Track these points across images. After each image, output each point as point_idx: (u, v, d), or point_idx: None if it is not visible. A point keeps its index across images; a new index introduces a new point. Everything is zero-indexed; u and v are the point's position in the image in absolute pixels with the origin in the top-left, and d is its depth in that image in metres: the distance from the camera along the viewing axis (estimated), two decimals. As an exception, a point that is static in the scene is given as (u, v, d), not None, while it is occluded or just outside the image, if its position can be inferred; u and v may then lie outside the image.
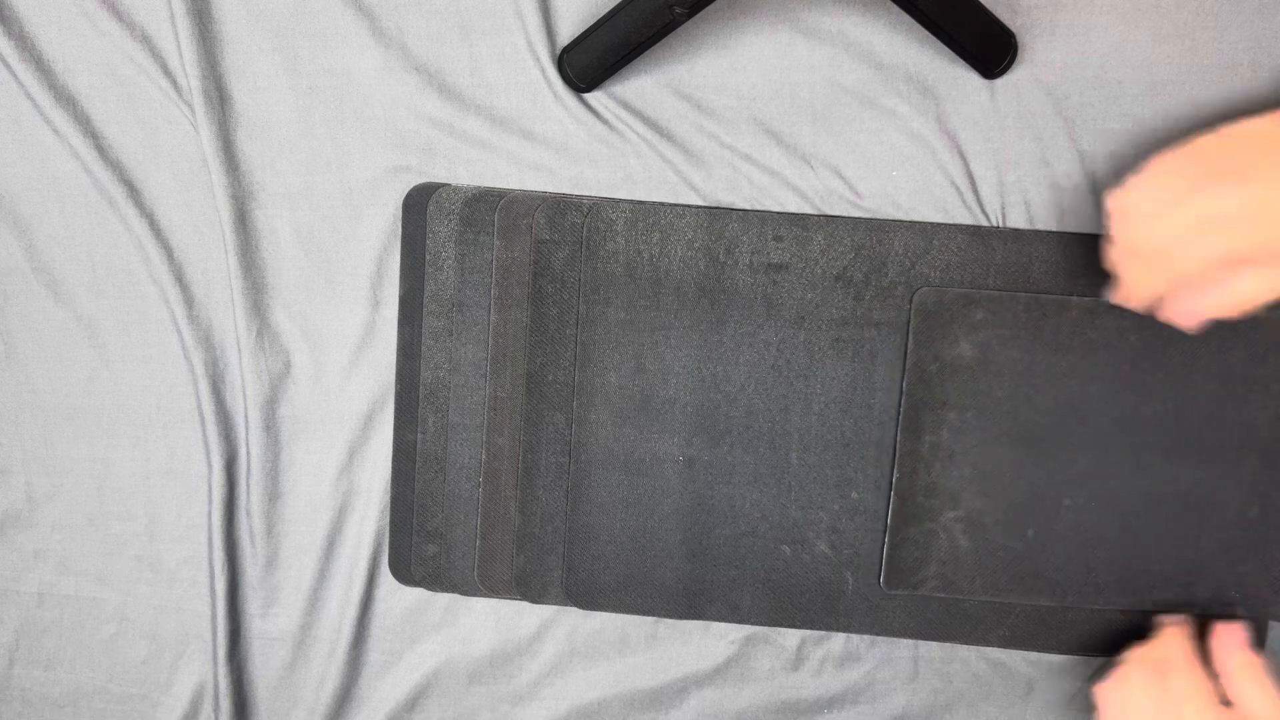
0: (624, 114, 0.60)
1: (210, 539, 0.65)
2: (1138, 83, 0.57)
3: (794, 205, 0.60)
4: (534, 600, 0.64)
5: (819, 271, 0.59)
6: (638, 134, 0.60)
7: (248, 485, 0.65)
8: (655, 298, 0.60)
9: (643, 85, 0.60)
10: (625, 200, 0.60)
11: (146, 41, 0.61)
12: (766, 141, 0.60)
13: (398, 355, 0.63)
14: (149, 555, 0.67)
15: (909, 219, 0.59)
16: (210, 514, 0.64)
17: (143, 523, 0.67)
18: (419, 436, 0.63)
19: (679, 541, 0.63)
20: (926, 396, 0.60)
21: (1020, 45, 0.58)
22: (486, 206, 0.60)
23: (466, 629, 0.66)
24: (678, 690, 0.66)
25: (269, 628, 0.66)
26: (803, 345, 0.60)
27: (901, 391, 0.60)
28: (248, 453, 0.64)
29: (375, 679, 0.67)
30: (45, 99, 0.61)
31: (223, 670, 0.65)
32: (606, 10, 0.57)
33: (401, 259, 0.62)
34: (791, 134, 0.59)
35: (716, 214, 0.59)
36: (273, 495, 0.65)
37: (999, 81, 0.58)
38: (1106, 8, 0.57)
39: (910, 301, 0.59)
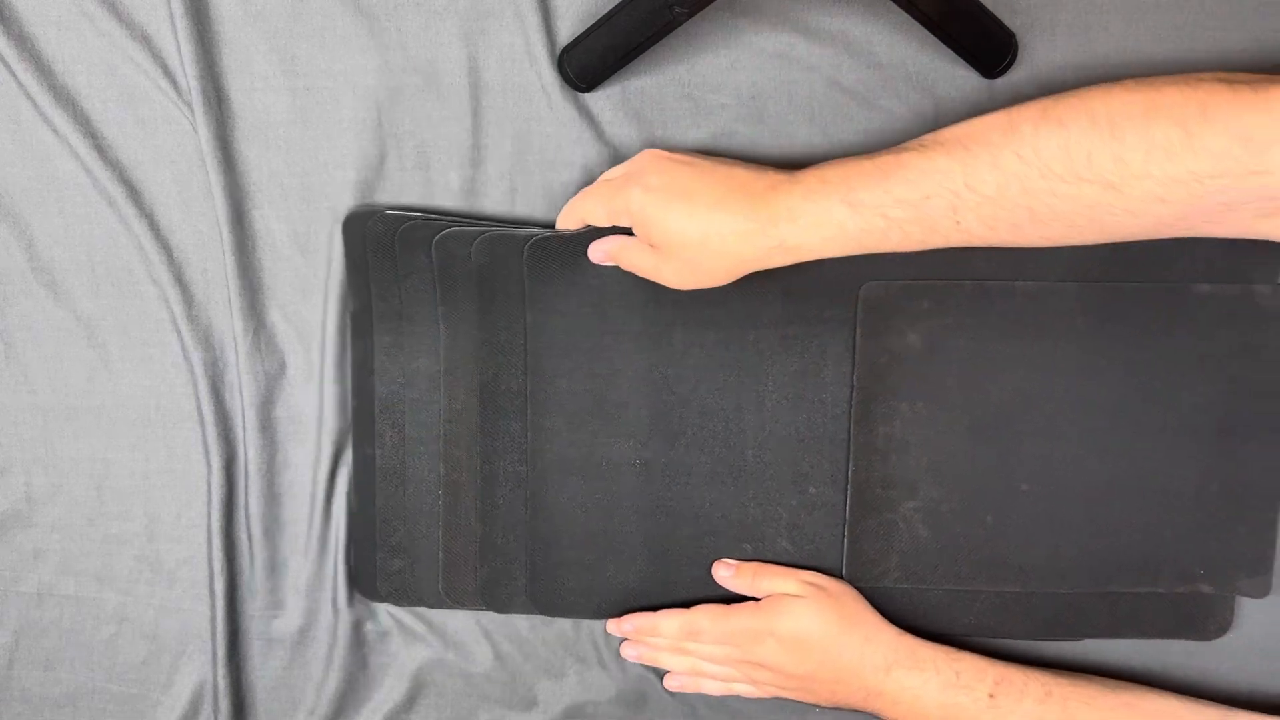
0: (621, 115, 0.60)
1: (209, 539, 0.65)
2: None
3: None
4: (500, 610, 0.64)
5: (764, 269, 0.59)
6: (632, 135, 0.60)
7: (246, 486, 0.65)
8: (602, 303, 0.60)
9: (643, 85, 0.60)
10: (567, 231, 0.59)
11: (146, 41, 0.61)
12: (765, 141, 0.60)
13: (352, 371, 0.63)
14: (149, 555, 0.67)
15: None
16: (209, 514, 0.64)
17: (143, 523, 0.66)
18: (377, 452, 0.63)
19: (640, 544, 0.63)
20: (877, 388, 0.60)
21: (1020, 45, 0.57)
22: (425, 235, 0.60)
23: (465, 628, 0.66)
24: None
25: (268, 628, 0.66)
26: (752, 344, 0.60)
27: (852, 385, 0.60)
28: (245, 453, 0.64)
29: (373, 680, 0.67)
30: (45, 99, 0.61)
31: (222, 671, 0.65)
32: (606, 10, 0.57)
33: (347, 278, 0.62)
34: (790, 133, 0.59)
35: None
36: (270, 496, 0.65)
37: (999, 81, 0.58)
38: (1106, 8, 0.57)
39: (856, 295, 0.59)
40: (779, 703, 0.65)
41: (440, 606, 0.65)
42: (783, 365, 0.60)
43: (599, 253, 0.58)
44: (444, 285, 0.61)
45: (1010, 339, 0.59)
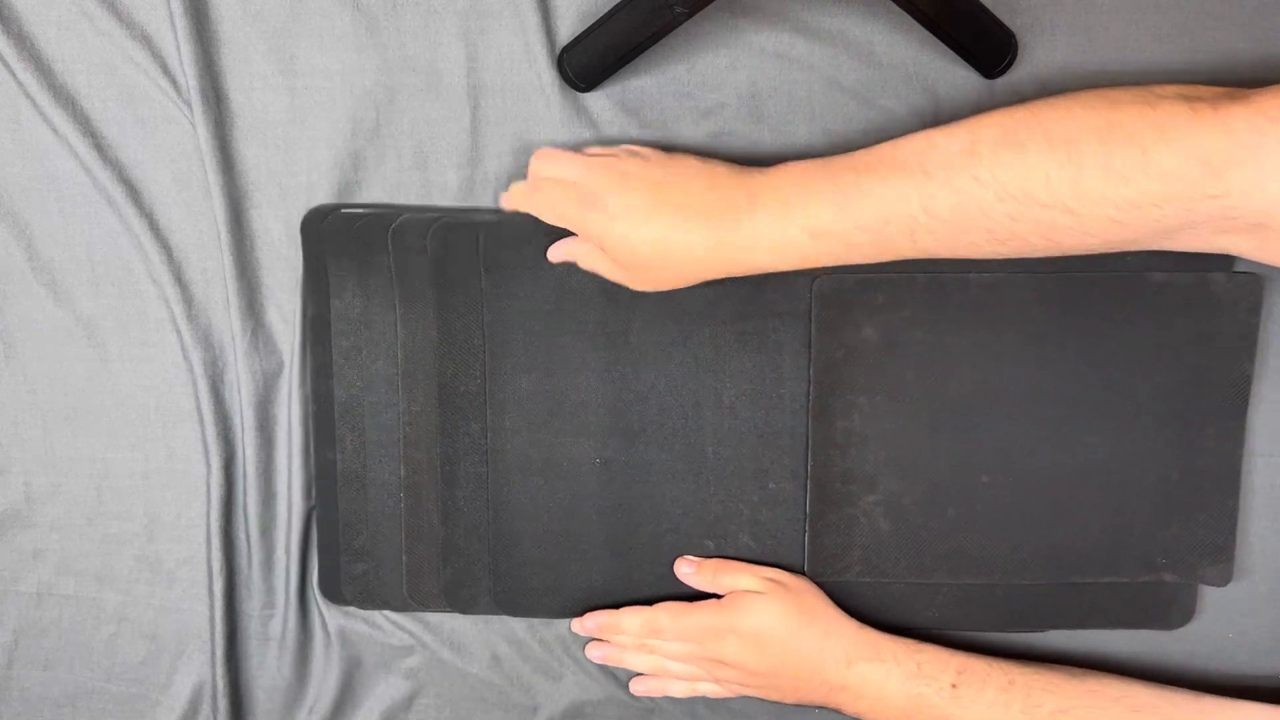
0: (620, 115, 0.60)
1: (209, 539, 0.65)
2: (1137, 83, 0.57)
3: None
4: (464, 611, 0.65)
5: None
6: (632, 135, 0.60)
7: (244, 485, 0.65)
8: (559, 303, 0.60)
9: (643, 85, 0.60)
10: (519, 214, 0.59)
11: (146, 41, 0.61)
12: (765, 140, 0.60)
13: (311, 376, 0.63)
14: (149, 555, 0.67)
15: None
16: (209, 514, 0.64)
17: (142, 523, 0.66)
18: (338, 456, 0.63)
19: (603, 543, 0.63)
20: (834, 383, 0.60)
21: (1020, 45, 0.57)
22: (380, 228, 0.60)
23: (462, 628, 0.66)
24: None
25: (266, 628, 0.66)
26: (708, 340, 0.60)
27: (809, 380, 0.60)
28: (243, 453, 0.64)
29: (371, 679, 0.67)
30: (45, 98, 0.61)
31: (221, 670, 0.65)
32: (606, 10, 0.57)
33: (304, 282, 0.62)
34: (790, 133, 0.59)
35: None
36: (267, 496, 0.64)
37: (999, 81, 0.58)
38: (1106, 8, 0.57)
39: (810, 290, 0.59)
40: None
41: (405, 610, 0.65)
42: (740, 361, 0.60)
43: (559, 253, 0.59)
44: (401, 282, 0.61)
45: (966, 331, 0.59)
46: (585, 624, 0.63)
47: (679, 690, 0.64)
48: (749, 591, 0.60)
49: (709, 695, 0.64)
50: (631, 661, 0.64)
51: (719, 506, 0.62)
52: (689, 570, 0.62)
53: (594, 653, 0.64)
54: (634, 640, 0.63)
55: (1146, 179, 0.44)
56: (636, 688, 0.65)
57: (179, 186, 0.62)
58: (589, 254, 0.58)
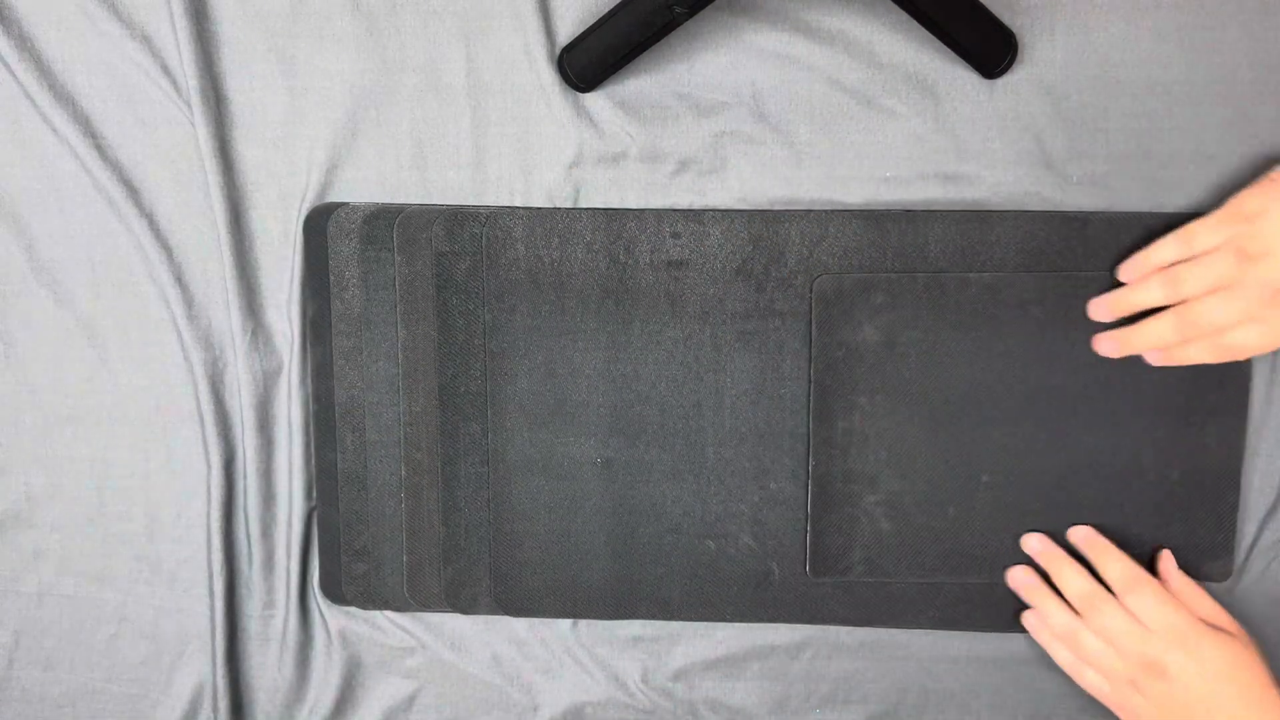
0: (620, 115, 0.60)
1: (209, 539, 0.65)
2: (1138, 83, 0.57)
3: (788, 205, 0.60)
4: (465, 611, 0.65)
5: (719, 265, 0.60)
6: (631, 135, 0.60)
7: (245, 486, 0.65)
8: (560, 302, 0.60)
9: (642, 85, 0.60)
10: (521, 208, 0.60)
11: (146, 41, 0.61)
12: (765, 140, 0.60)
13: (311, 377, 0.63)
14: (149, 555, 0.67)
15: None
16: (209, 514, 0.64)
17: (142, 523, 0.66)
18: (339, 456, 0.63)
19: (603, 543, 0.63)
20: (835, 383, 0.60)
21: (1020, 45, 0.57)
22: (385, 223, 0.61)
23: (463, 628, 0.66)
24: (674, 688, 0.66)
25: (267, 628, 0.66)
26: (709, 340, 0.60)
27: (810, 379, 0.60)
28: (244, 453, 0.64)
29: (372, 679, 0.67)
30: (45, 99, 0.61)
31: (221, 670, 0.66)
32: (606, 10, 0.57)
33: (304, 281, 0.62)
34: (790, 133, 0.59)
35: (613, 214, 0.60)
36: (267, 496, 0.65)
37: (999, 81, 0.58)
38: (1106, 8, 0.57)
39: (811, 289, 0.59)
40: (780, 702, 0.65)
41: (406, 610, 0.65)
42: (741, 361, 0.61)
43: (1110, 346, 0.57)
44: (401, 282, 0.61)
45: (967, 330, 0.59)
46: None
47: (1064, 659, 0.60)
48: (1226, 632, 0.56)
49: (1090, 689, 0.60)
50: (1053, 648, 0.60)
51: (719, 507, 0.62)
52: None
53: (1028, 620, 0.61)
54: (1077, 599, 0.59)
55: None
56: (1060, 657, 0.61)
57: (179, 187, 0.62)
58: (1188, 346, 0.55)
